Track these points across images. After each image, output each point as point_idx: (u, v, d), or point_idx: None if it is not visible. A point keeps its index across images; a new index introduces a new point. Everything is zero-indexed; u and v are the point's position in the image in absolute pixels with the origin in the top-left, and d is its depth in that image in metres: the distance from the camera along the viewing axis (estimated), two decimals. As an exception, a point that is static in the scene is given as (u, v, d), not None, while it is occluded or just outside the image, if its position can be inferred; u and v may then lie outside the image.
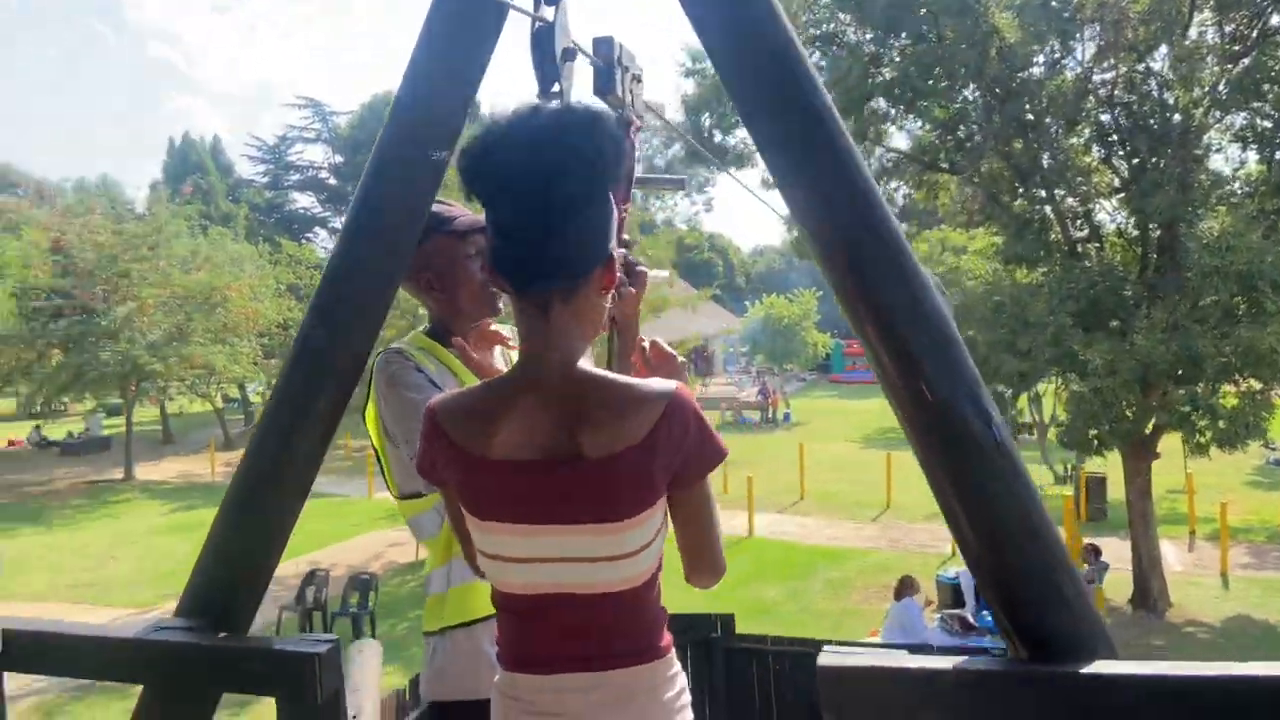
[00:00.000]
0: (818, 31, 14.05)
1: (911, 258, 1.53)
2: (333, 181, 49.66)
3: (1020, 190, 13.10)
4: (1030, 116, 12.30)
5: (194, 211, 29.28)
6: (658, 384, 1.29)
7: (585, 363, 1.33)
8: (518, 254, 1.26)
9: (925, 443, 1.51)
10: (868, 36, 13.53)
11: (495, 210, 1.27)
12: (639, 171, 1.94)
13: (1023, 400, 16.38)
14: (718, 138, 18.74)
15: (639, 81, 1.94)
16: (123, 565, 16.32)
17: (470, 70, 1.74)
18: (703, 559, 1.38)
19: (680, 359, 1.67)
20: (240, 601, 1.84)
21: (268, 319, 26.32)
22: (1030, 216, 12.83)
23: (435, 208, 2.12)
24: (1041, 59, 12.65)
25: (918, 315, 1.50)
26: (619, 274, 1.39)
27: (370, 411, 2.08)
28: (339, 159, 49.34)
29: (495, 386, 1.36)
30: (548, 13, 1.71)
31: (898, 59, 12.90)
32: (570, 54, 1.73)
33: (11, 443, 31.78)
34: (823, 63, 14.07)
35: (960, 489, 1.50)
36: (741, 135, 18.89)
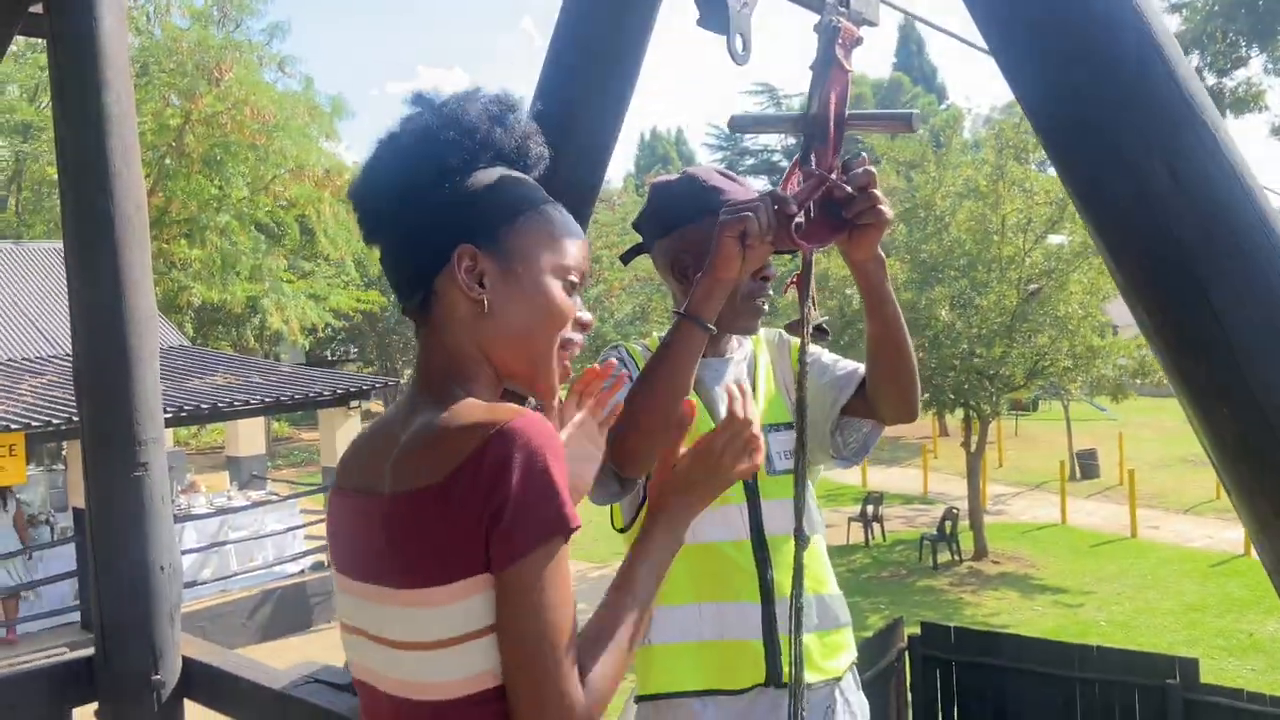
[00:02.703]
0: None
1: (1274, 227, 0.89)
2: (783, 163, 50.88)
3: None
4: None
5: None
6: (494, 412, 0.94)
7: (455, 388, 1.02)
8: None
9: None
10: None
11: None
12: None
13: None
14: (1209, 81, 15.89)
15: None
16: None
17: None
18: (520, 701, 0.90)
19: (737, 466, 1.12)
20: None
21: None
22: None
23: (713, 180, 1.68)
24: None
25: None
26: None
27: None
28: (790, 141, 50.36)
29: (388, 410, 1.14)
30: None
31: None
32: None
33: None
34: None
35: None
36: (1243, 76, 15.87)
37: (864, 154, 1.35)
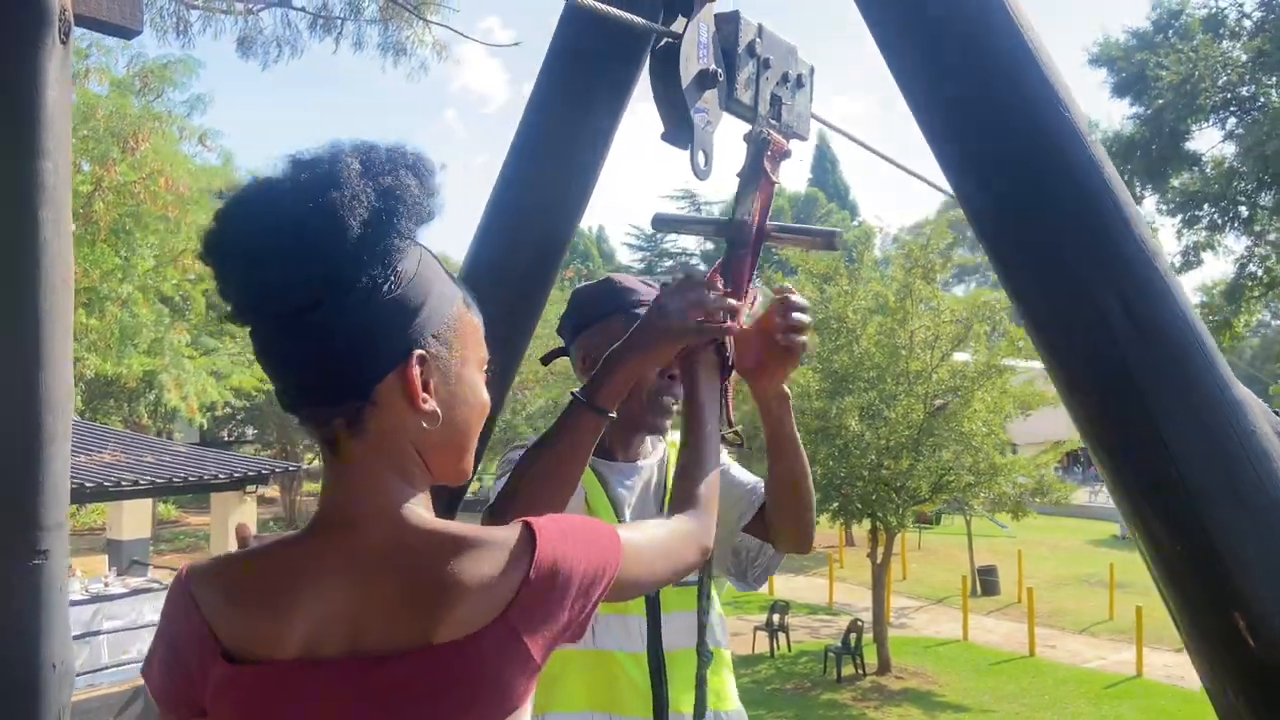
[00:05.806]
0: (1231, 94, 12.25)
1: (1221, 371, 0.93)
2: (702, 266, 52.12)
3: None
4: None
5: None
6: (508, 549, 0.92)
7: (418, 507, 0.94)
8: (270, 366, 0.92)
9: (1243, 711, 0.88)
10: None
11: (237, 300, 0.91)
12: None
13: None
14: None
15: (800, 87, 1.45)
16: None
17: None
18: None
19: None
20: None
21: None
22: None
23: (628, 282, 1.74)
24: None
25: (1235, 486, 0.90)
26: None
27: None
28: (709, 245, 51.67)
29: (281, 553, 0.95)
30: (679, 24, 1.30)
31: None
32: (710, 79, 1.30)
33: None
34: (1238, 130, 12.25)
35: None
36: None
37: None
